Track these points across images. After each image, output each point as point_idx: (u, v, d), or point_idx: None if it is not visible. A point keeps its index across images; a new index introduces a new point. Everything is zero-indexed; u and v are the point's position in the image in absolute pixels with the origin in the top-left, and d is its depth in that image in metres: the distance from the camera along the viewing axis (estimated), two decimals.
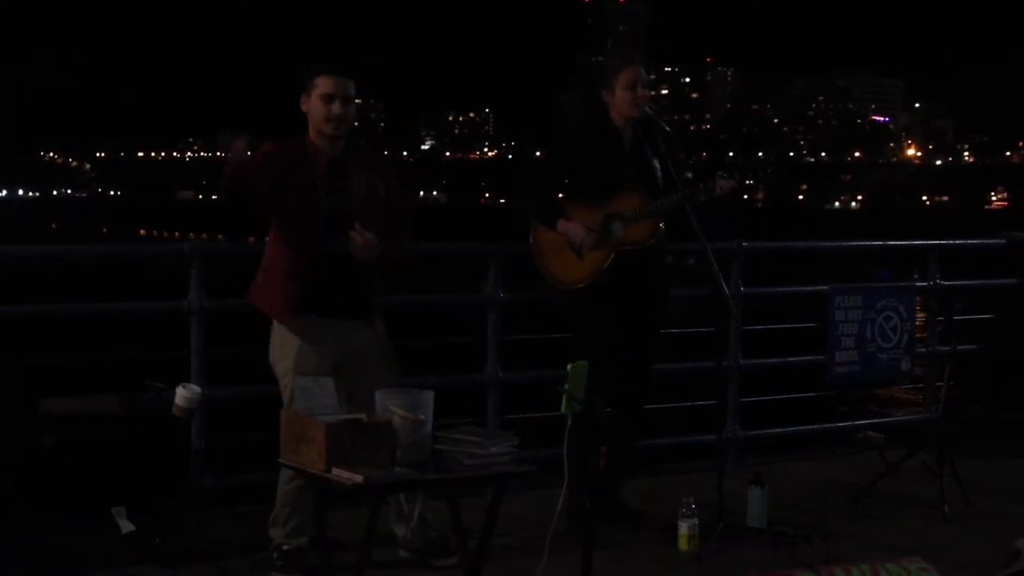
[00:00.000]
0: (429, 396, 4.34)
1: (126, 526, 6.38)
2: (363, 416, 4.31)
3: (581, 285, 6.98)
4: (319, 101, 6.22)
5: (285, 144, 6.30)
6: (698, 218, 6.83)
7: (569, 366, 4.57)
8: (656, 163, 6.98)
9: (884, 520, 7.34)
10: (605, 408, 7.01)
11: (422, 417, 4.27)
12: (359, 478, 4.10)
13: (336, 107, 6.20)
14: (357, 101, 6.34)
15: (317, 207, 6.15)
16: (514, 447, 4.41)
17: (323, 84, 6.24)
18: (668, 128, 7.14)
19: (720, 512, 6.84)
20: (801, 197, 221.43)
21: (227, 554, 6.46)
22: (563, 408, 4.55)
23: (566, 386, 4.54)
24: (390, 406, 4.29)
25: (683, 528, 6.69)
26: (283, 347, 6.21)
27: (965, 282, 10.48)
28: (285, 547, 6.14)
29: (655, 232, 6.95)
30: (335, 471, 4.15)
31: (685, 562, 6.52)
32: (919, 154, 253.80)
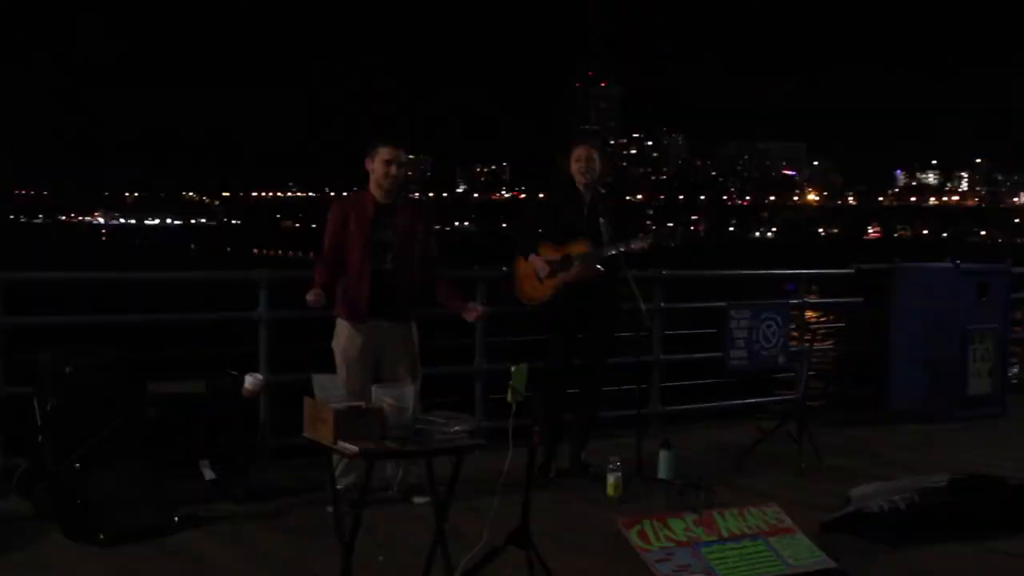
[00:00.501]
0: (410, 390, 4.35)
1: (208, 474, 6.41)
2: (362, 404, 4.33)
3: (539, 302, 7.04)
4: (381, 164, 6.27)
5: (351, 196, 6.45)
6: (627, 258, 6.84)
7: (512, 368, 4.57)
8: (602, 220, 6.95)
9: (757, 475, 7.32)
10: (570, 391, 7.09)
11: (405, 405, 4.28)
12: (356, 449, 4.12)
13: (392, 169, 6.27)
14: (411, 158, 6.41)
15: (368, 238, 6.21)
16: (471, 427, 4.42)
17: (384, 152, 6.28)
18: (618, 194, 7.17)
19: (638, 467, 6.85)
20: (731, 229, 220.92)
21: (281, 495, 6.51)
22: (508, 398, 4.57)
23: (511, 383, 4.56)
24: (382, 397, 4.31)
25: (610, 479, 6.68)
26: (337, 338, 6.34)
27: (825, 300, 10.45)
28: (340, 487, 6.21)
29: (594, 271, 6.92)
30: (341, 443, 4.17)
31: (610, 504, 6.51)
32: (818, 198, 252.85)
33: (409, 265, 6.31)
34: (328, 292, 6.21)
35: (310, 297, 6.08)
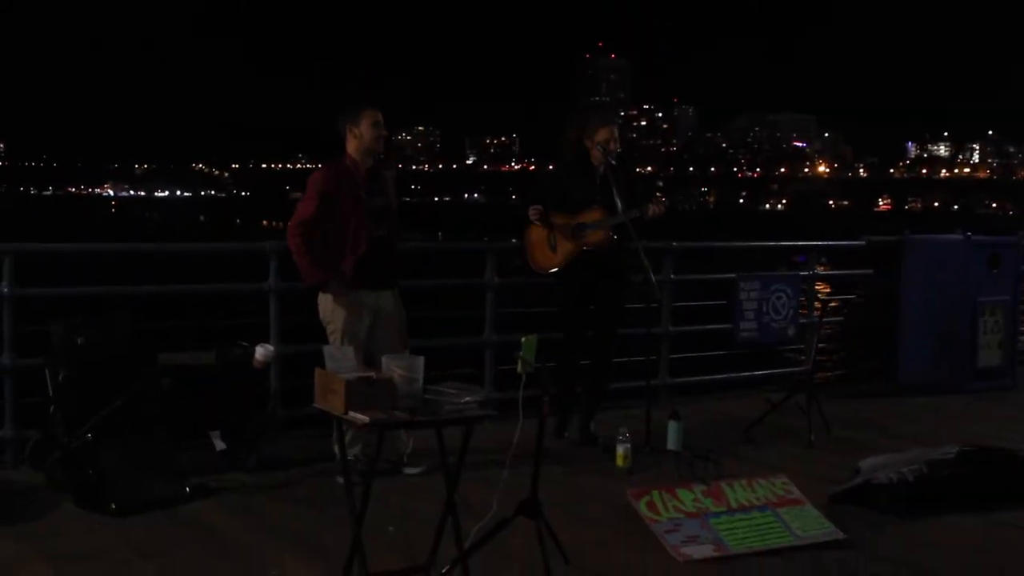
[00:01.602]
0: (420, 361, 4.35)
1: (219, 444, 6.43)
2: (372, 375, 4.33)
3: (554, 270, 7.08)
4: (369, 127, 6.21)
5: (331, 166, 6.28)
6: (637, 230, 6.87)
7: (523, 339, 4.58)
8: (614, 189, 6.98)
9: (766, 446, 7.33)
10: (581, 362, 7.11)
11: (415, 375, 4.29)
12: (367, 418, 4.13)
13: (383, 131, 6.25)
14: (420, 129, 6.42)
15: (364, 205, 6.20)
16: (481, 397, 4.42)
17: (371, 115, 6.22)
18: (628, 166, 7.21)
19: (647, 438, 6.86)
20: (741, 200, 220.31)
21: (292, 465, 6.54)
22: (519, 369, 4.57)
23: (521, 354, 4.56)
24: (392, 367, 4.32)
25: (620, 450, 6.69)
26: (334, 311, 6.23)
27: (833, 272, 10.42)
28: (350, 458, 6.25)
29: (608, 238, 6.99)
30: (351, 413, 4.17)
31: (619, 475, 6.53)
32: (827, 170, 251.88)
33: (397, 230, 6.35)
34: (318, 267, 6.15)
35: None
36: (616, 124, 7.21)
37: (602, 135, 7.01)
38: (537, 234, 7.14)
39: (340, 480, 6.08)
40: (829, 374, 9.71)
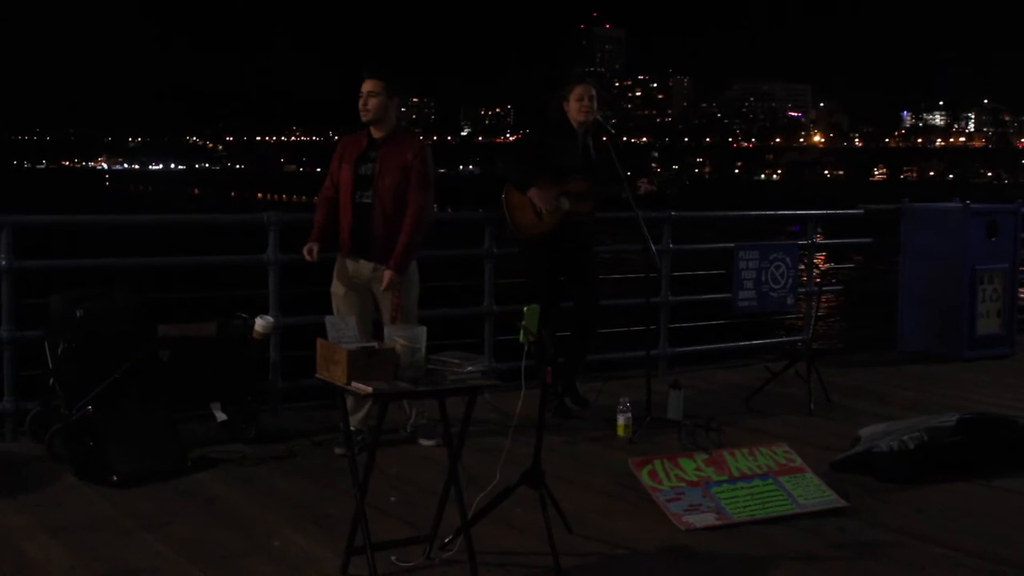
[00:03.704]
0: (422, 331, 4.33)
1: (219, 416, 6.43)
2: (375, 344, 4.32)
3: (537, 236, 6.99)
4: (360, 97, 6.24)
5: (354, 134, 6.41)
6: (635, 198, 6.86)
7: (525, 308, 4.57)
8: (599, 158, 6.96)
9: (767, 415, 7.33)
10: (559, 332, 7.07)
11: (418, 345, 4.27)
12: (370, 389, 4.12)
13: (361, 101, 6.22)
14: (415, 100, 6.35)
15: (354, 172, 6.24)
16: (483, 367, 4.41)
17: (363, 84, 6.25)
18: (612, 131, 7.12)
19: (648, 408, 6.86)
20: (737, 171, 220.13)
21: (292, 436, 6.53)
22: (521, 339, 4.57)
23: (523, 322, 4.55)
24: (395, 337, 4.30)
25: (620, 420, 6.71)
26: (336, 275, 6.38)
27: (833, 240, 10.39)
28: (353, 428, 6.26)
29: (593, 209, 6.97)
30: (354, 384, 4.16)
31: (621, 444, 6.54)
32: (823, 140, 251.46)
33: (386, 199, 6.19)
34: (325, 237, 6.31)
35: (304, 252, 6.28)
36: (593, 84, 7.11)
37: (578, 91, 6.95)
38: (518, 197, 6.99)
39: (338, 451, 6.11)
40: (828, 342, 9.71)
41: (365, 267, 6.27)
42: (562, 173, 6.92)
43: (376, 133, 6.28)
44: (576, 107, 6.96)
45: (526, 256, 7.08)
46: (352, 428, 6.26)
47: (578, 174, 6.92)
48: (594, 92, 7.00)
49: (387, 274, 6.15)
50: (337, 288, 6.38)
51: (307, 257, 6.31)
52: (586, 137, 7.00)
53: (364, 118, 6.26)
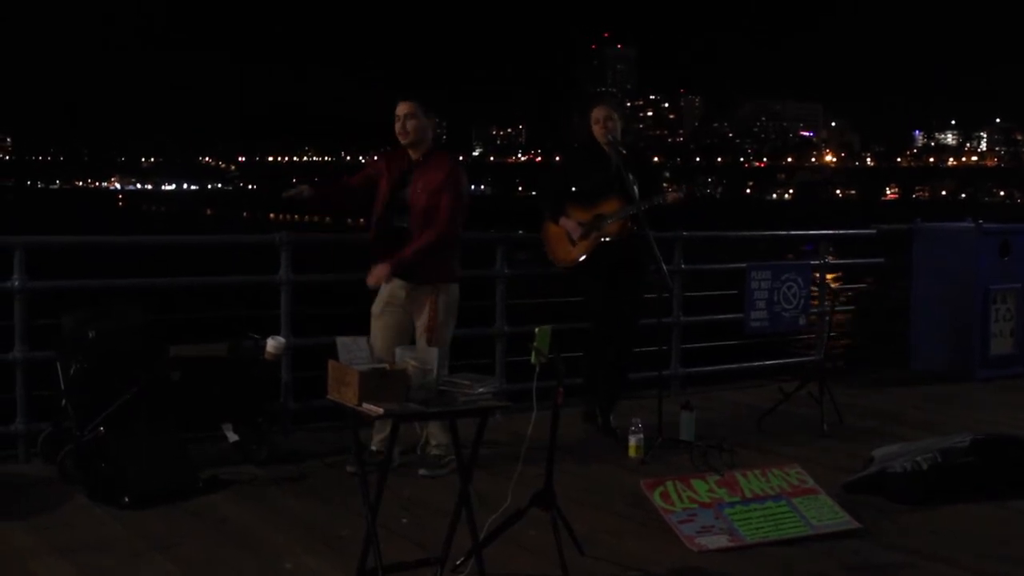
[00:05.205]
0: (434, 352, 4.33)
1: (231, 436, 6.42)
2: (386, 366, 4.31)
3: (573, 264, 7.10)
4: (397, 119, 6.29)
5: (397, 152, 6.42)
6: (649, 218, 6.87)
7: (536, 329, 4.56)
8: (631, 176, 6.98)
9: (779, 436, 7.30)
10: (605, 351, 7.09)
11: (429, 367, 4.27)
12: (381, 410, 4.12)
13: (399, 125, 6.25)
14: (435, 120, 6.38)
15: (389, 194, 6.28)
16: (495, 388, 4.40)
17: (398, 107, 6.30)
18: (623, 151, 7.13)
19: (660, 429, 6.84)
20: (748, 191, 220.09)
21: (303, 457, 6.52)
22: (532, 360, 4.56)
23: (535, 344, 4.55)
24: (406, 359, 4.30)
25: (632, 441, 6.68)
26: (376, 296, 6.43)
27: (846, 260, 10.38)
28: (373, 448, 6.30)
29: (626, 228, 6.99)
30: (365, 405, 4.16)
31: (633, 465, 6.51)
32: (834, 159, 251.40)
33: (420, 223, 6.19)
34: (321, 197, 6.65)
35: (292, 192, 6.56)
36: (612, 106, 7.20)
37: (596, 114, 7.07)
38: (556, 229, 7.17)
39: (350, 469, 6.10)
40: (841, 363, 9.67)
41: (401, 289, 6.28)
42: (595, 195, 7.03)
43: (414, 155, 6.32)
44: (596, 129, 7.08)
45: (576, 284, 7.25)
46: (372, 448, 6.29)
47: (610, 195, 6.98)
48: (611, 113, 7.09)
49: (380, 267, 6.19)
50: (375, 308, 6.40)
51: (290, 192, 6.54)
52: (616, 156, 7.03)
53: (403, 140, 6.29)
